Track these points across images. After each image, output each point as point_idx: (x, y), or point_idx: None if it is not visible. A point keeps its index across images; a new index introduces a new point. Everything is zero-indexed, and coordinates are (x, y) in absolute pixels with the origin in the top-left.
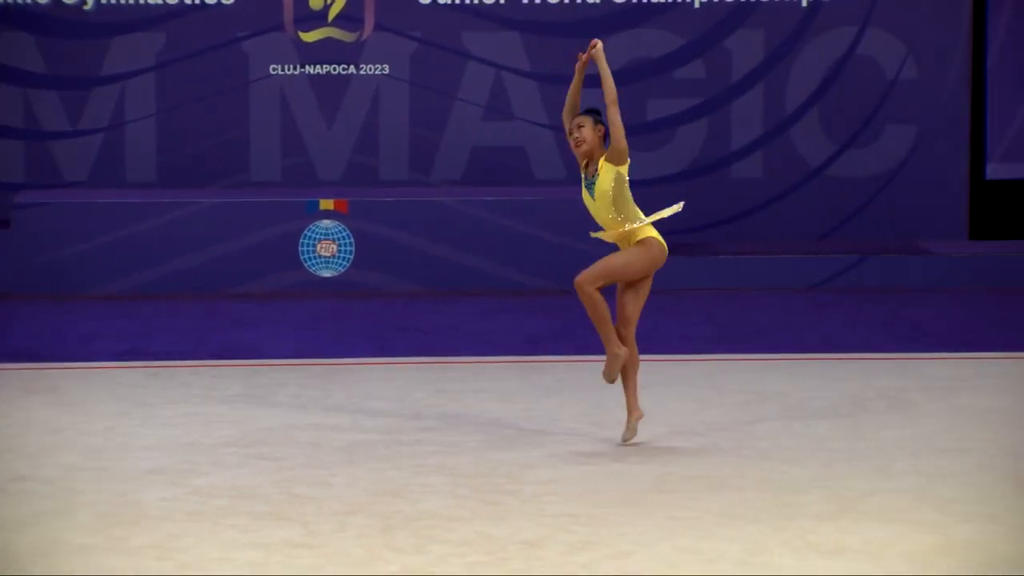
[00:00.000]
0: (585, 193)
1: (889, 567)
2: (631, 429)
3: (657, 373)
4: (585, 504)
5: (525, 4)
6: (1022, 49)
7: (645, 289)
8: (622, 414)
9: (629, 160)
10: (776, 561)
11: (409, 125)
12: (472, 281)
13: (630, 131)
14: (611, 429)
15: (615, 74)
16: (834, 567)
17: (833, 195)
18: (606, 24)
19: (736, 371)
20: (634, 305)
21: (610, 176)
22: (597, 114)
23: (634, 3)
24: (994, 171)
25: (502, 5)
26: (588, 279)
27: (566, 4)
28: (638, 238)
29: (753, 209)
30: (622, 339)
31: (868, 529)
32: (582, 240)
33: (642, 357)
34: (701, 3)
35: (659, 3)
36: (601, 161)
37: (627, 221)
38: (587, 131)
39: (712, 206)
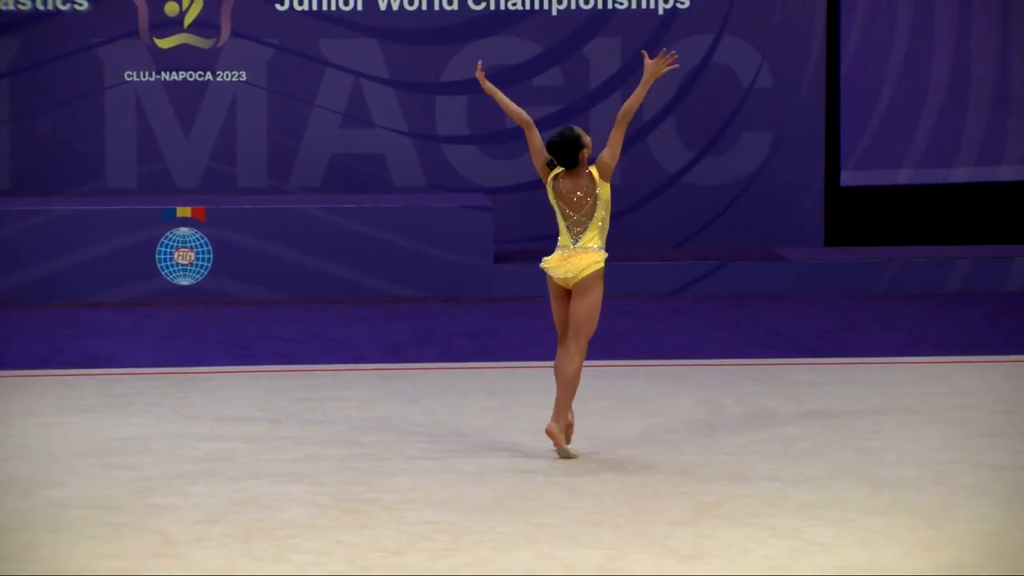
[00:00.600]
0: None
1: (746, 571)
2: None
3: (518, 381)
4: (446, 511)
5: (383, 11)
6: (875, 57)
7: (578, 300)
8: (481, 421)
9: (547, 186)
10: (635, 566)
11: (267, 132)
12: (332, 289)
13: (488, 139)
14: (472, 436)
15: (476, 82)
16: (693, 572)
17: (691, 202)
18: (464, 31)
19: (597, 378)
20: (575, 314)
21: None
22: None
23: (492, 10)
24: (848, 178)
25: (360, 12)
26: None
27: (424, 11)
28: (593, 271)
29: (613, 216)
30: (568, 348)
31: (726, 534)
32: (441, 247)
33: (496, 365)
34: (559, 11)
35: (517, 11)
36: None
37: (599, 239)
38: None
39: None
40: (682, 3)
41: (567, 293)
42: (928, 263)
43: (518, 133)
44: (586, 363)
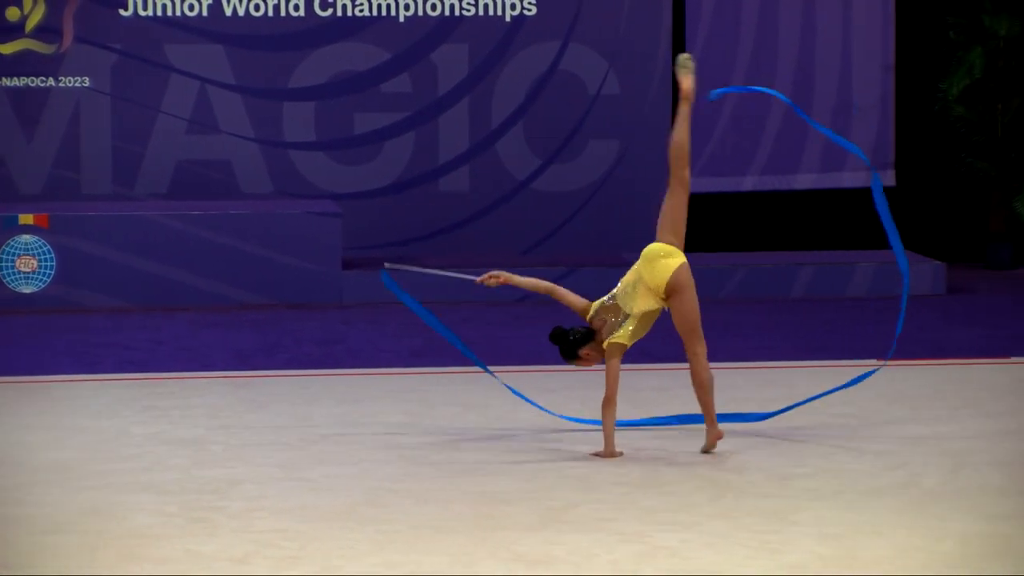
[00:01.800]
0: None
1: None
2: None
3: (366, 387)
4: (294, 519)
5: (229, 17)
6: (719, 65)
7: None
8: (328, 429)
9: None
10: (483, 573)
11: (111, 138)
12: (179, 296)
13: (338, 145)
14: (320, 444)
15: (323, 88)
16: None
17: (539, 209)
18: (311, 37)
19: (441, 384)
20: (680, 321)
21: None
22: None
23: (339, 17)
24: (694, 185)
25: (205, 18)
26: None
27: (270, 17)
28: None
29: (460, 223)
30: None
31: (573, 539)
32: (289, 253)
33: (345, 371)
34: (406, 17)
35: (364, 17)
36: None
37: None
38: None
39: (420, 220)
40: (529, 10)
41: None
42: (773, 269)
43: (367, 139)
44: (429, 370)
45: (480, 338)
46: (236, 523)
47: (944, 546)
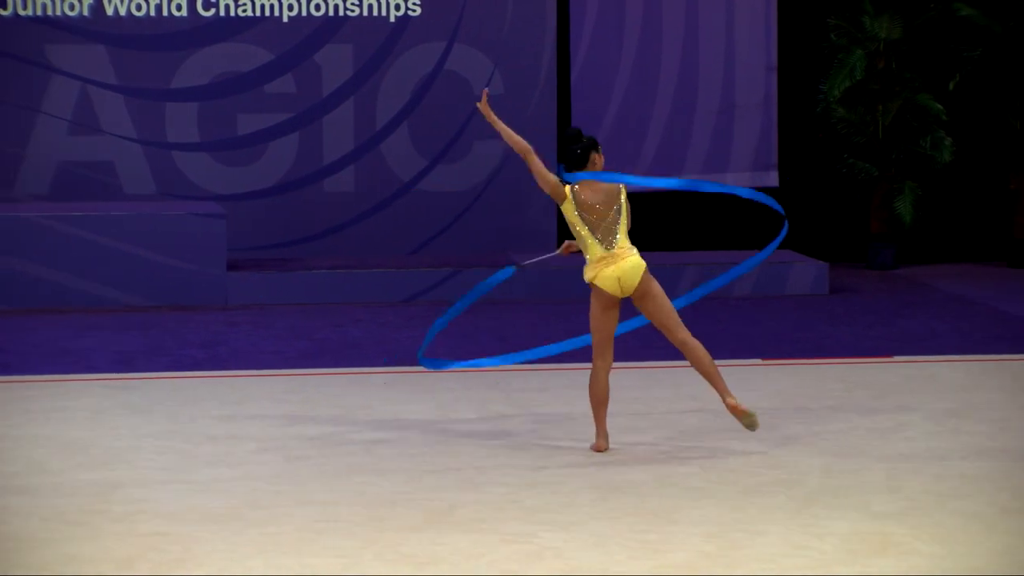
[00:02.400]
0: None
1: None
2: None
3: (250, 389)
4: (177, 522)
5: (111, 17)
6: (604, 66)
7: (649, 303)
8: (211, 431)
9: (564, 202)
10: (368, 574)
11: None
12: (61, 298)
13: (220, 146)
14: (204, 446)
15: (207, 88)
16: None
17: (425, 209)
18: (193, 38)
19: (329, 385)
20: (657, 315)
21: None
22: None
23: (222, 17)
24: None
25: (86, 18)
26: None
27: (153, 17)
28: (644, 269)
29: (346, 224)
30: (682, 341)
31: (458, 540)
32: (173, 255)
33: (229, 373)
34: (290, 17)
35: (247, 17)
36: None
37: (627, 241)
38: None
39: (305, 221)
40: (413, 10)
41: (616, 303)
42: (659, 269)
43: (251, 140)
44: (314, 371)
45: (371, 339)
46: (119, 526)
47: (826, 544)
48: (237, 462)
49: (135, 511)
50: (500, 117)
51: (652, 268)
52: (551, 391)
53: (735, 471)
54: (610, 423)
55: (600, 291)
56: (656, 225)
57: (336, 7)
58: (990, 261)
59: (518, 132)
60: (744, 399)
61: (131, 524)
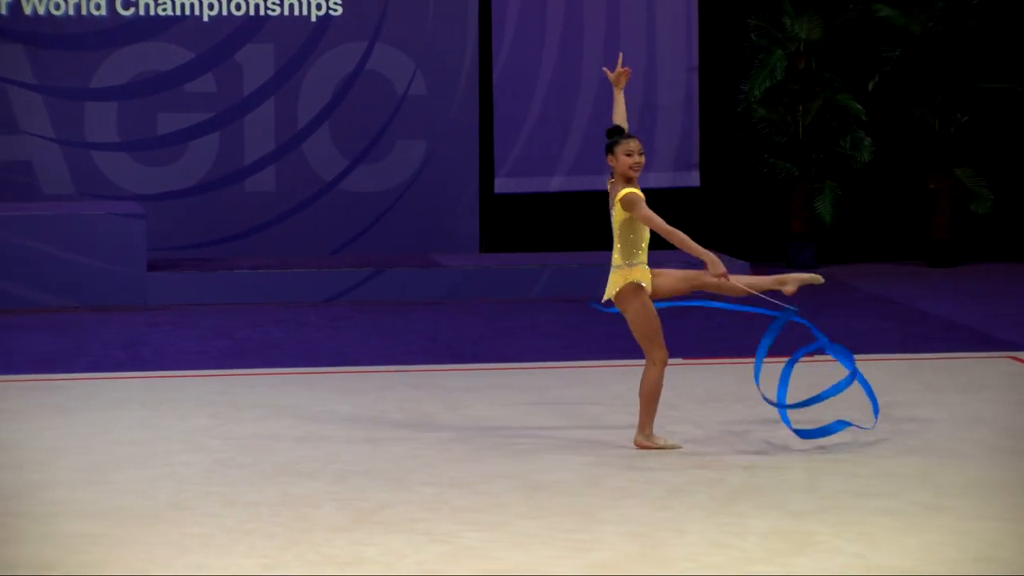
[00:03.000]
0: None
1: None
2: None
3: (173, 390)
4: (101, 524)
5: (29, 16)
6: (525, 68)
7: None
8: (134, 433)
9: (636, 214)
10: (292, 574)
11: None
12: None
13: (140, 146)
14: (126, 447)
15: (126, 88)
16: None
17: (347, 209)
18: (113, 37)
19: (252, 386)
20: (670, 282)
21: (621, 215)
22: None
23: (142, 16)
24: (502, 185)
25: (4, 16)
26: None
27: (71, 16)
28: (618, 290)
29: (268, 223)
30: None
31: (384, 540)
32: (93, 255)
33: (151, 374)
34: (210, 16)
35: (167, 16)
36: (620, 194)
37: (620, 257)
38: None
39: (226, 220)
40: (335, 10)
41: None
42: (580, 269)
43: (171, 140)
44: (243, 371)
45: (292, 340)
46: (41, 528)
47: (747, 542)
48: (160, 463)
49: (56, 513)
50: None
51: (573, 269)
52: (481, 391)
53: (659, 470)
54: (536, 422)
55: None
56: (575, 225)
57: (257, 6)
58: (910, 260)
59: (440, 133)
60: (669, 398)
61: (53, 526)
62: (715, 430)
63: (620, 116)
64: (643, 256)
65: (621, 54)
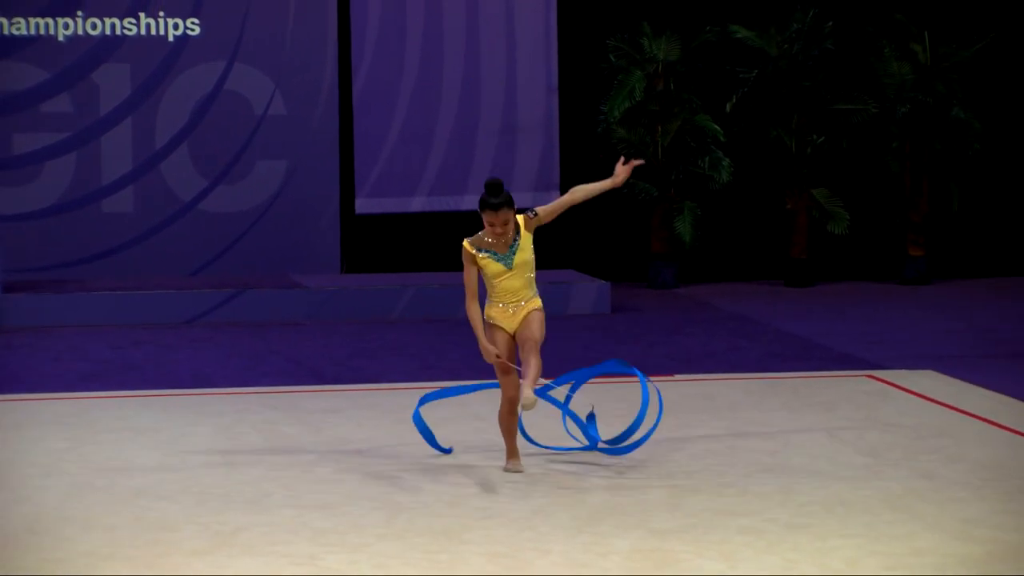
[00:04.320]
0: (494, 268)
1: None
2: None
3: (30, 413)
4: None
5: None
6: (385, 86)
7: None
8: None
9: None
10: None
11: None
12: None
13: None
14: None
15: None
16: None
17: (206, 230)
18: None
19: (108, 408)
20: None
21: (531, 243)
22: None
23: None
24: (363, 205)
25: None
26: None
27: None
28: (533, 308)
29: (126, 244)
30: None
31: (244, 563)
32: None
33: (8, 397)
34: (66, 36)
35: (22, 36)
36: (524, 233)
37: (533, 283)
38: (511, 222)
39: (84, 241)
40: (192, 30)
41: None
42: (441, 289)
43: (26, 160)
44: (100, 393)
45: (150, 361)
46: None
47: (609, 562)
48: (18, 486)
49: None
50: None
51: (435, 289)
52: (343, 412)
53: (522, 490)
54: (398, 443)
55: None
56: (437, 245)
57: (113, 26)
58: (768, 280)
59: (301, 154)
60: (527, 417)
61: None
62: (573, 452)
63: (584, 190)
64: (497, 298)
65: (622, 158)
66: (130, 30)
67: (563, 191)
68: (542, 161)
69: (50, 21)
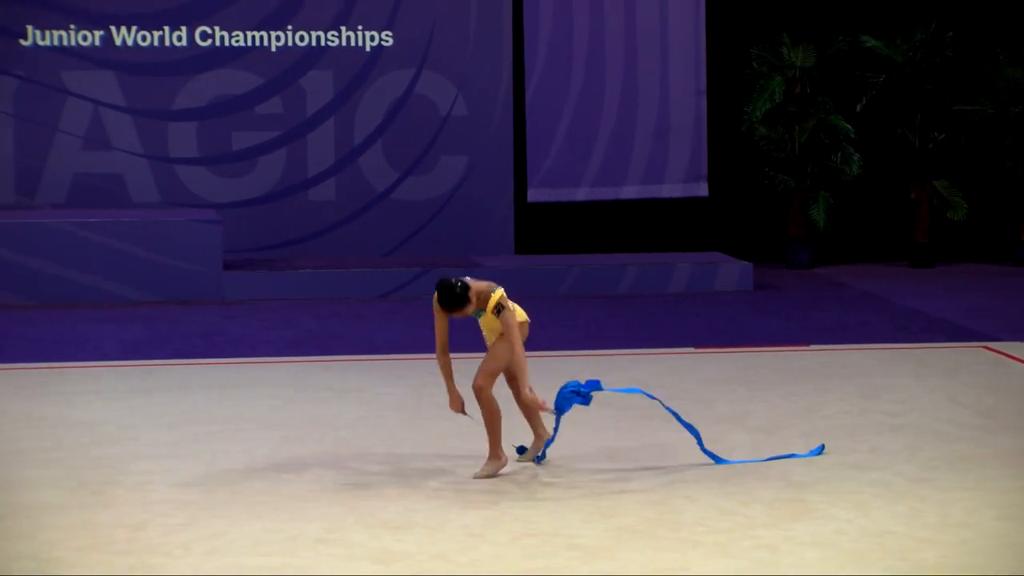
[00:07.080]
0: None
1: None
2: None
3: (246, 374)
4: (185, 491)
5: (119, 46)
6: (554, 90)
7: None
8: (215, 411)
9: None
10: (352, 538)
11: (14, 154)
12: (77, 294)
13: (216, 160)
14: (205, 424)
15: (204, 109)
16: (403, 540)
17: (397, 216)
18: (192, 64)
19: (315, 371)
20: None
21: (496, 322)
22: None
23: (217, 46)
24: (534, 195)
25: (98, 47)
26: (485, 382)
27: (156, 46)
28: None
29: (328, 228)
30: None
31: (429, 506)
32: (175, 256)
33: (226, 360)
34: (277, 47)
35: (240, 47)
36: (488, 311)
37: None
38: (468, 308)
39: (292, 226)
40: (386, 41)
41: None
42: (603, 269)
43: (244, 155)
44: (302, 359)
45: (350, 331)
46: (132, 495)
47: (752, 510)
48: (231, 439)
49: (146, 481)
50: (463, 134)
51: (597, 268)
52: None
53: (671, 454)
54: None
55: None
56: (598, 230)
57: (318, 38)
58: (894, 261)
59: (479, 149)
60: (680, 383)
61: (143, 493)
62: (720, 410)
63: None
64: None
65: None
66: (333, 41)
67: (711, 183)
68: (692, 156)
69: (264, 34)
